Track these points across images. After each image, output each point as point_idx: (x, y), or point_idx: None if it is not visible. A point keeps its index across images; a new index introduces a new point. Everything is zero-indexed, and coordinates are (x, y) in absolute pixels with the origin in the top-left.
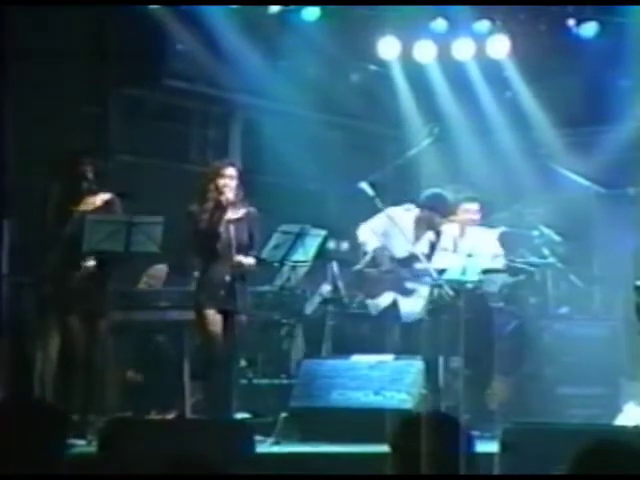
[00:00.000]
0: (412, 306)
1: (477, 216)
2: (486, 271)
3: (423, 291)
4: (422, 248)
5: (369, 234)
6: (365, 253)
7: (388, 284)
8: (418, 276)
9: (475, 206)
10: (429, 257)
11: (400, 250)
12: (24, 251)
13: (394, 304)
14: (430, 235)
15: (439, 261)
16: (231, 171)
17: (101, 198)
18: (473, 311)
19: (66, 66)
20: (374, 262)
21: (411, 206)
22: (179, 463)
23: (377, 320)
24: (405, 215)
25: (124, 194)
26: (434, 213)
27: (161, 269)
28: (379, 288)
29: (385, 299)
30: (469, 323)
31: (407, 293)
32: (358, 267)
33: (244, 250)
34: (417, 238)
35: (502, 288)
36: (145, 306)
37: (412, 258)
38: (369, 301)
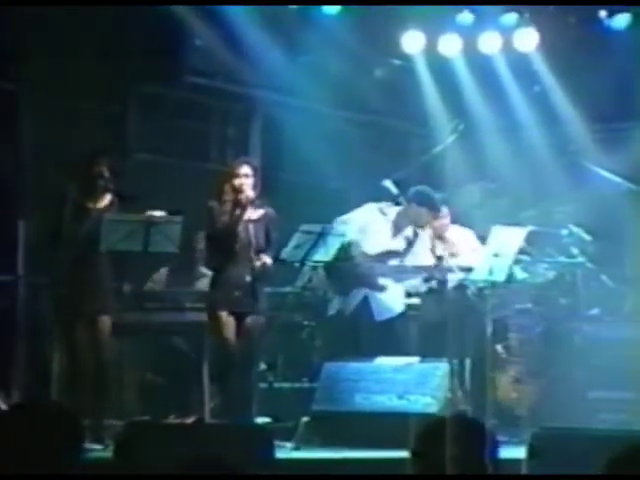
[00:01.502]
0: (388, 302)
1: (446, 220)
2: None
3: (396, 288)
4: (397, 244)
5: (345, 227)
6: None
7: (360, 279)
8: (392, 272)
9: (444, 211)
10: (404, 254)
11: (375, 246)
12: (40, 251)
13: (365, 301)
14: (409, 231)
15: (413, 260)
16: (246, 169)
17: (108, 198)
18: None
19: (84, 64)
20: (346, 254)
21: (389, 203)
22: (199, 465)
23: (399, 319)
24: (386, 211)
25: (122, 195)
26: (422, 209)
27: (161, 272)
28: (350, 284)
29: (356, 296)
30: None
31: (379, 289)
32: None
33: (261, 251)
34: (395, 234)
35: (530, 287)
36: (163, 307)
37: (387, 254)
38: (338, 298)
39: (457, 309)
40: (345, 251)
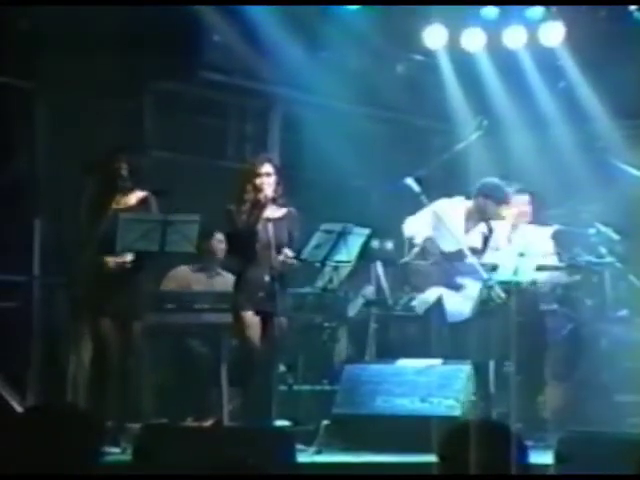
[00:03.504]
0: (460, 305)
1: (527, 208)
2: (540, 268)
3: (473, 288)
4: (474, 241)
5: (417, 226)
6: (412, 247)
7: (437, 278)
8: (469, 272)
9: (525, 198)
10: (482, 251)
11: (449, 245)
12: (56, 251)
13: (440, 301)
14: (482, 227)
15: (491, 259)
16: (268, 168)
17: (137, 196)
18: (525, 313)
19: (99, 60)
20: (423, 254)
21: (461, 198)
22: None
23: (423, 320)
24: (455, 207)
25: (159, 191)
26: (489, 201)
27: (183, 271)
28: (427, 282)
29: (433, 294)
30: (521, 326)
31: (457, 288)
32: (405, 259)
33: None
34: (468, 230)
35: (556, 288)
36: (181, 308)
37: (461, 253)
38: (416, 297)
39: (482, 310)
40: (422, 250)
